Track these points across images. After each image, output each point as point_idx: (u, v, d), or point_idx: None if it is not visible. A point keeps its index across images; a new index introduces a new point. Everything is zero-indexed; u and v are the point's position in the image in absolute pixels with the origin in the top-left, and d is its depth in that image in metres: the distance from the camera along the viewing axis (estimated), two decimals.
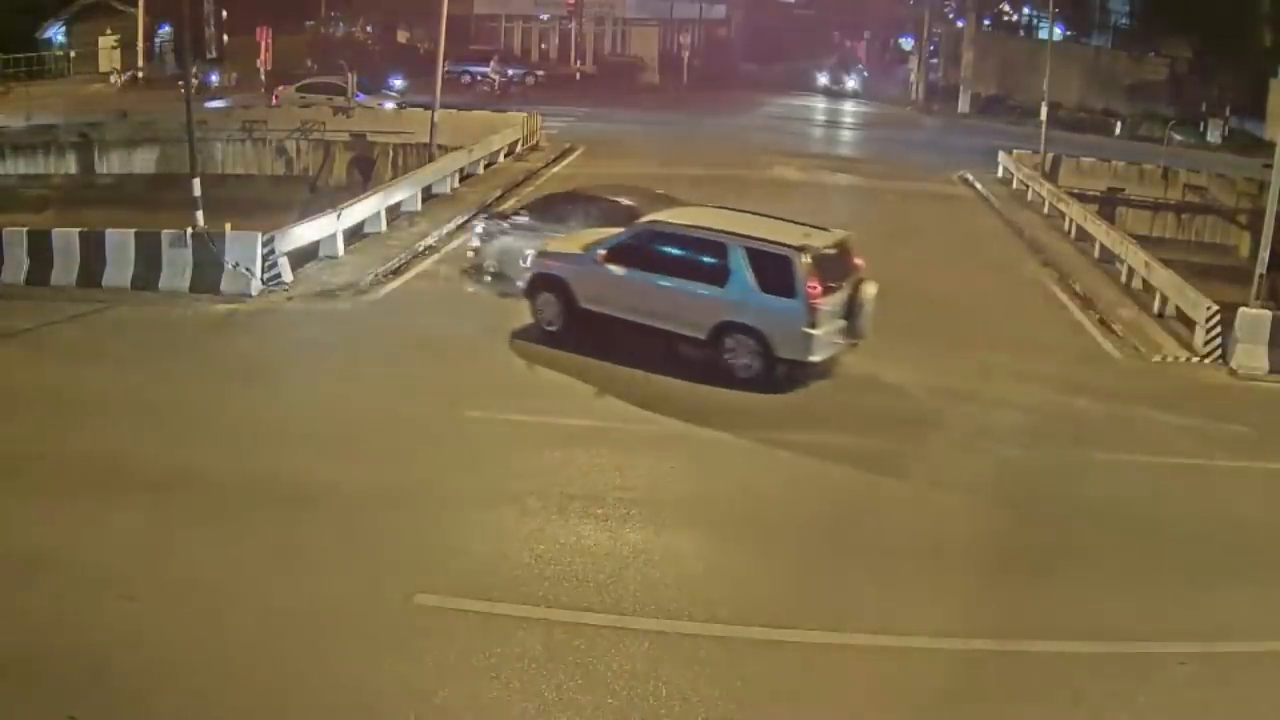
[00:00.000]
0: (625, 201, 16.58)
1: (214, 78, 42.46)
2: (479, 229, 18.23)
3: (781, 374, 13.35)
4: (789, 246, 13.08)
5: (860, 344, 13.77)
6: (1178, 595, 9.31)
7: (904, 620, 8.56)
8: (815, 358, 13.17)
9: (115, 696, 7.18)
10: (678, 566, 9.21)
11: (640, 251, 13.84)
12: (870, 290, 13.47)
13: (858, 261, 13.84)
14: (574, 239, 15.04)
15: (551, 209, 17.28)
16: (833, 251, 13.44)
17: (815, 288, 12.76)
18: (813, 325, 12.85)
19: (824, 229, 14.00)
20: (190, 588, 8.42)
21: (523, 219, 17.29)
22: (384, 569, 8.82)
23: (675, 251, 13.69)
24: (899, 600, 8.87)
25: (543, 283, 14.52)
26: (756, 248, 13.19)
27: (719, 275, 13.28)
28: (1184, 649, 8.39)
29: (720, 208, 15.23)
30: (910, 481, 11.29)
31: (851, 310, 13.29)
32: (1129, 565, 9.73)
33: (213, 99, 37.15)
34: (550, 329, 14.49)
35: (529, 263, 14.86)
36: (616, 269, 13.88)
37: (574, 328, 14.29)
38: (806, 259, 12.89)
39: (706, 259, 13.40)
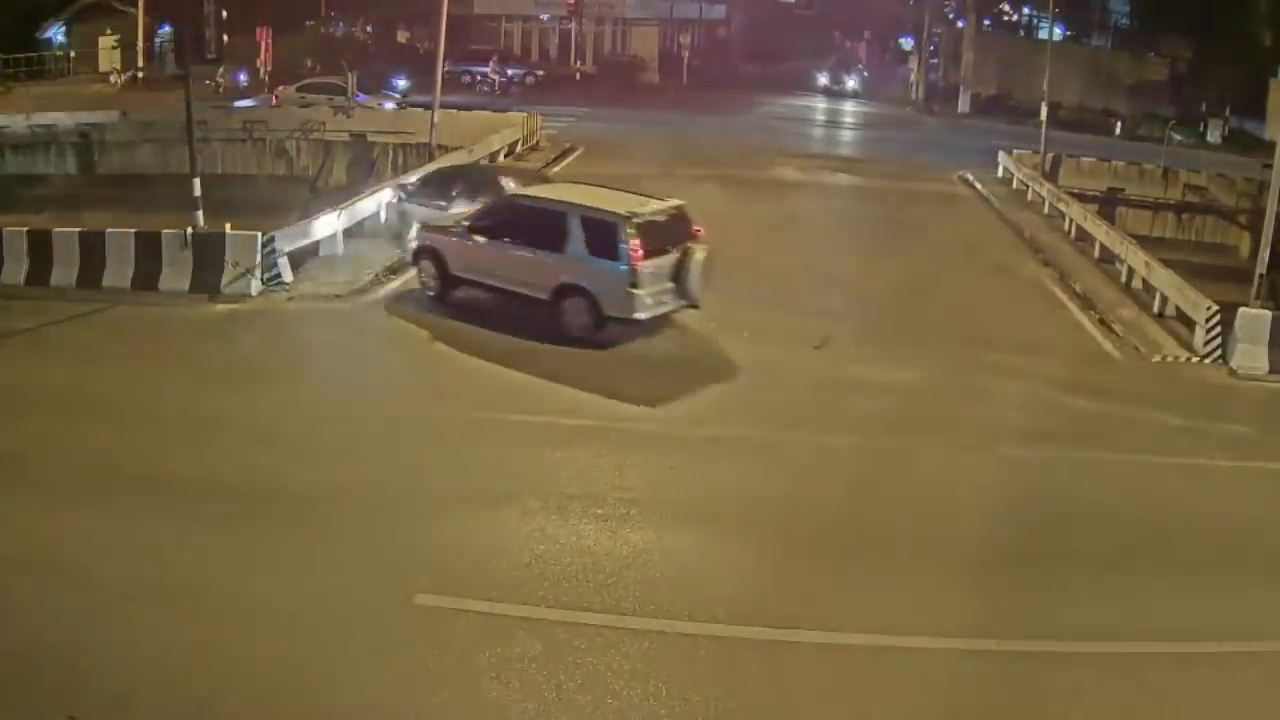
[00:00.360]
0: (500, 178, 18.91)
1: (241, 77, 42.38)
2: (388, 200, 20.15)
3: (612, 333, 14.29)
4: (616, 214, 14.13)
5: (697, 308, 14.75)
6: (1177, 595, 9.30)
7: (904, 620, 8.56)
8: (639, 315, 14.13)
9: (115, 696, 7.18)
10: (677, 566, 9.22)
11: (497, 223, 15.32)
12: (699, 255, 14.29)
13: (696, 229, 14.82)
14: (455, 215, 16.78)
15: (435, 184, 19.66)
16: (662, 219, 14.50)
17: (637, 251, 13.74)
18: (635, 285, 13.86)
19: (662, 199, 15.13)
20: (190, 588, 8.42)
21: (412, 189, 19.76)
22: (384, 569, 8.83)
23: (525, 222, 14.99)
24: (899, 600, 8.87)
25: (424, 252, 16.03)
26: (589, 215, 14.34)
27: (558, 242, 14.43)
28: (1184, 649, 8.40)
29: (579, 183, 16.66)
30: (910, 481, 11.29)
31: (679, 273, 14.20)
32: (1129, 565, 9.73)
33: (241, 98, 37.13)
34: (430, 294, 15.95)
35: (414, 235, 16.40)
36: (479, 239, 15.28)
37: (448, 291, 15.76)
38: (631, 225, 13.91)
39: (549, 227, 14.55)
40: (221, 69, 41.75)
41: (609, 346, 14.26)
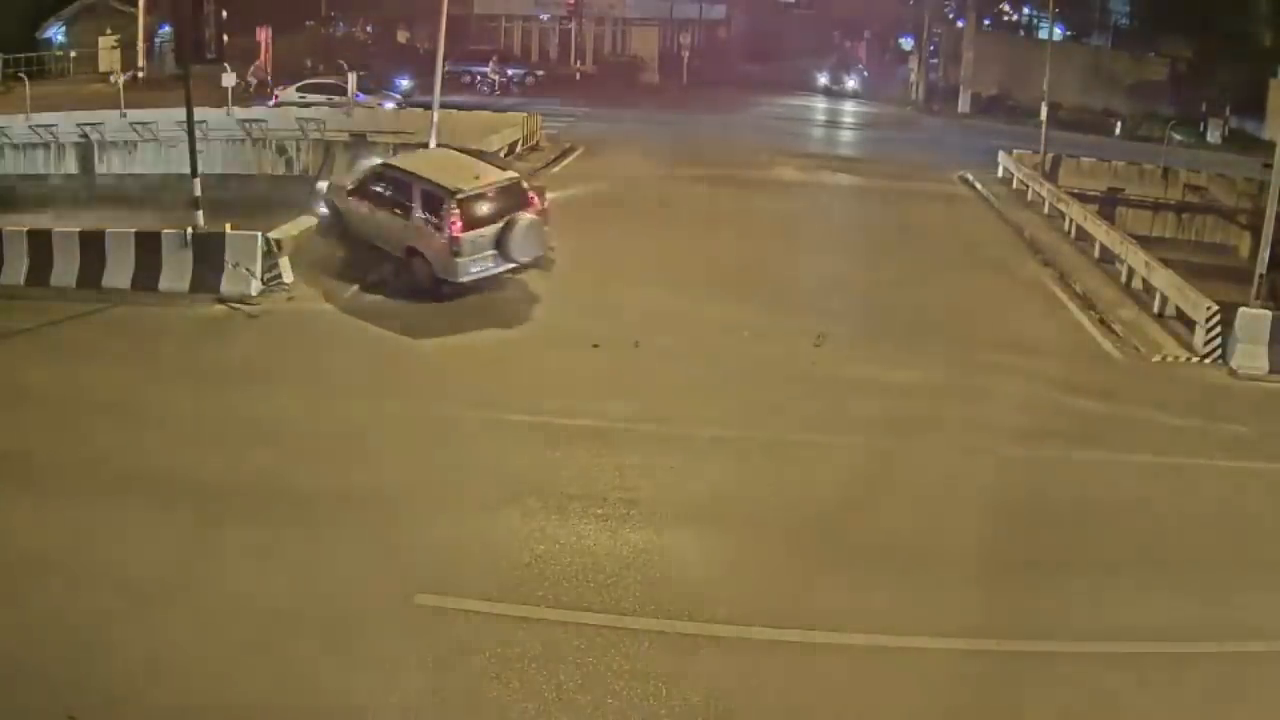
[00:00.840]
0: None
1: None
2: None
3: (447, 291, 15.80)
4: (444, 188, 15.65)
5: (546, 266, 16.46)
6: (1178, 595, 9.30)
7: (904, 620, 8.56)
8: (463, 279, 15.67)
9: (115, 696, 7.18)
10: (678, 566, 9.22)
11: (372, 187, 17.00)
12: (523, 223, 15.67)
13: (531, 197, 16.34)
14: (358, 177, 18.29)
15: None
16: (491, 192, 15.90)
17: (456, 223, 15.30)
18: (457, 254, 15.40)
19: (502, 170, 16.83)
20: (190, 587, 8.43)
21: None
22: (384, 569, 8.83)
23: (389, 188, 16.66)
24: (899, 600, 8.87)
25: (330, 209, 17.80)
26: (426, 187, 15.94)
27: (408, 208, 16.10)
28: (1184, 649, 8.40)
29: (449, 150, 18.39)
30: (911, 481, 11.30)
31: (502, 240, 15.55)
32: (1128, 565, 9.73)
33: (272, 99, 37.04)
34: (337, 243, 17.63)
35: (323, 193, 18.21)
36: (361, 202, 16.98)
37: (348, 247, 17.36)
38: (454, 200, 15.43)
39: (402, 194, 16.28)
40: (254, 66, 41.45)
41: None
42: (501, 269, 15.92)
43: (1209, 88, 45.54)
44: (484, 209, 15.64)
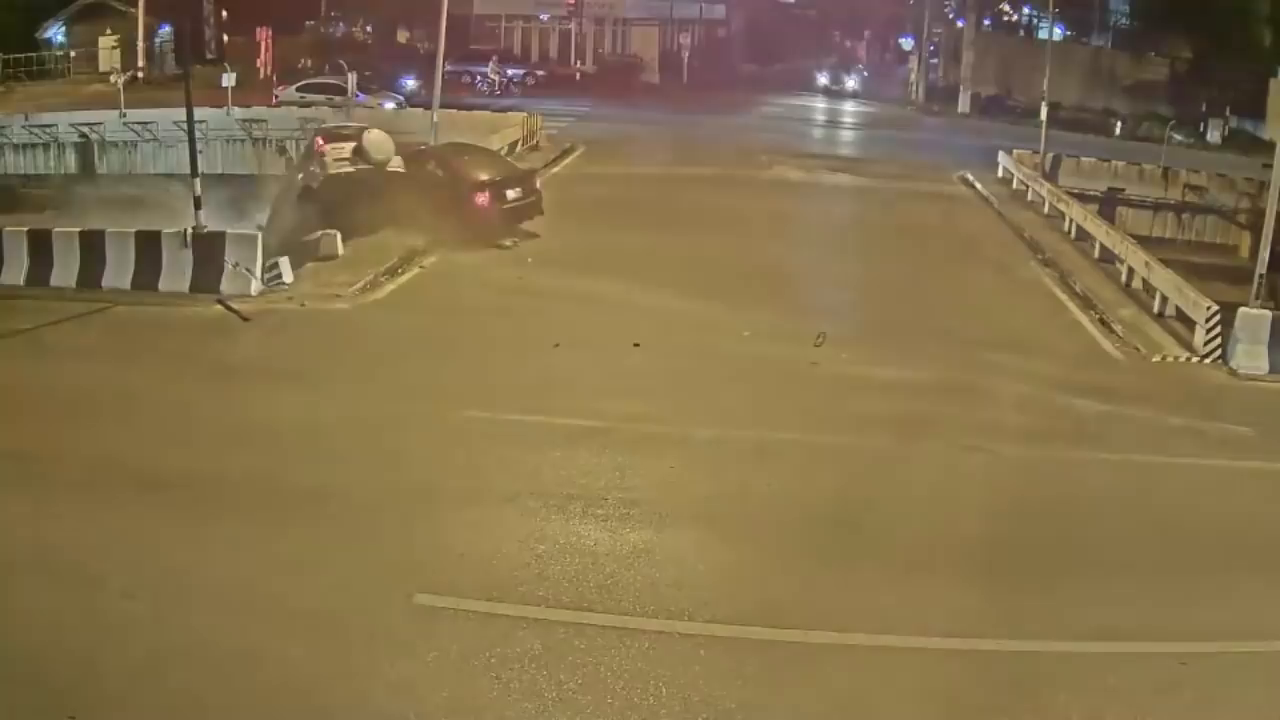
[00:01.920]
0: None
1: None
2: None
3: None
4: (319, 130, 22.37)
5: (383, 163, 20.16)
6: (1178, 595, 9.30)
7: (905, 620, 8.55)
8: (332, 172, 20.10)
9: (115, 696, 7.18)
10: (678, 566, 9.21)
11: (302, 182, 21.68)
12: (370, 136, 20.54)
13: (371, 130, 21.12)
14: None
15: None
16: (345, 131, 21.58)
17: (320, 143, 20.78)
18: (324, 167, 20.38)
19: (362, 125, 22.09)
20: (190, 588, 8.42)
21: None
22: (384, 569, 8.82)
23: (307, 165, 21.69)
24: (900, 600, 8.86)
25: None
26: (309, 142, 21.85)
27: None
28: (1184, 649, 8.39)
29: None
30: (910, 481, 11.28)
31: (359, 148, 20.41)
32: (1129, 565, 9.72)
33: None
34: None
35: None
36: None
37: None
38: (318, 131, 21.94)
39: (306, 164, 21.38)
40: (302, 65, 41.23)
41: None
42: (357, 169, 20.21)
43: (1209, 88, 45.59)
44: (341, 135, 21.13)
